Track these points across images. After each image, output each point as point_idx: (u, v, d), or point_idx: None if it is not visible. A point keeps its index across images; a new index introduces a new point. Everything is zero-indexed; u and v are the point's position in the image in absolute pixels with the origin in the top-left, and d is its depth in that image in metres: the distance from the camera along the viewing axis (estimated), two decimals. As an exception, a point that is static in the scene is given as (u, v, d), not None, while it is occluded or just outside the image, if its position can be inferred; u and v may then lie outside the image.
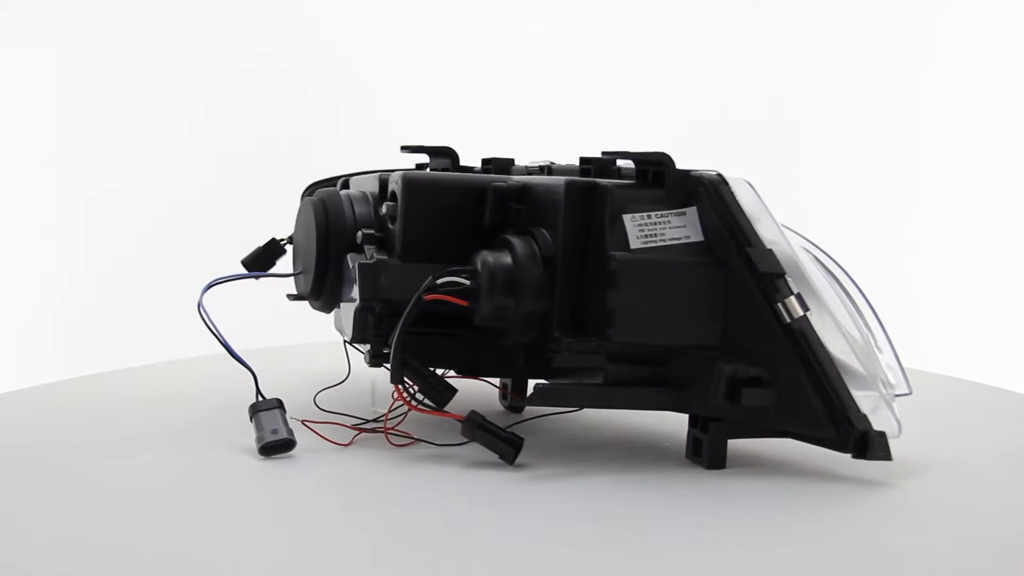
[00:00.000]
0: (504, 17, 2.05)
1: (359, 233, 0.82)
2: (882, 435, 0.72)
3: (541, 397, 0.76)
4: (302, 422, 0.82)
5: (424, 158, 0.97)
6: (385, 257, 0.80)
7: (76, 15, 1.89)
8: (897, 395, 0.77)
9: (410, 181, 0.80)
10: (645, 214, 0.74)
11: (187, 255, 1.87)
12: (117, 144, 1.92)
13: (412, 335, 0.77)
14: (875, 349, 0.77)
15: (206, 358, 1.05)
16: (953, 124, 1.95)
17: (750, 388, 0.73)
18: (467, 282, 0.76)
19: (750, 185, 0.76)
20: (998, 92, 1.94)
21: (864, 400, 0.73)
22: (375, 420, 0.86)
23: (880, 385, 0.74)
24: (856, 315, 0.78)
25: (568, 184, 0.75)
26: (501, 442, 0.76)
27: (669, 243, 0.74)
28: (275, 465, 0.77)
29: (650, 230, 0.74)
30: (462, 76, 2.03)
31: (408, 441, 0.82)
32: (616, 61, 2.01)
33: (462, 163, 0.95)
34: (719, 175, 0.75)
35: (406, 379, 0.76)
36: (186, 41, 1.96)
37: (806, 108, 1.99)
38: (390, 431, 0.82)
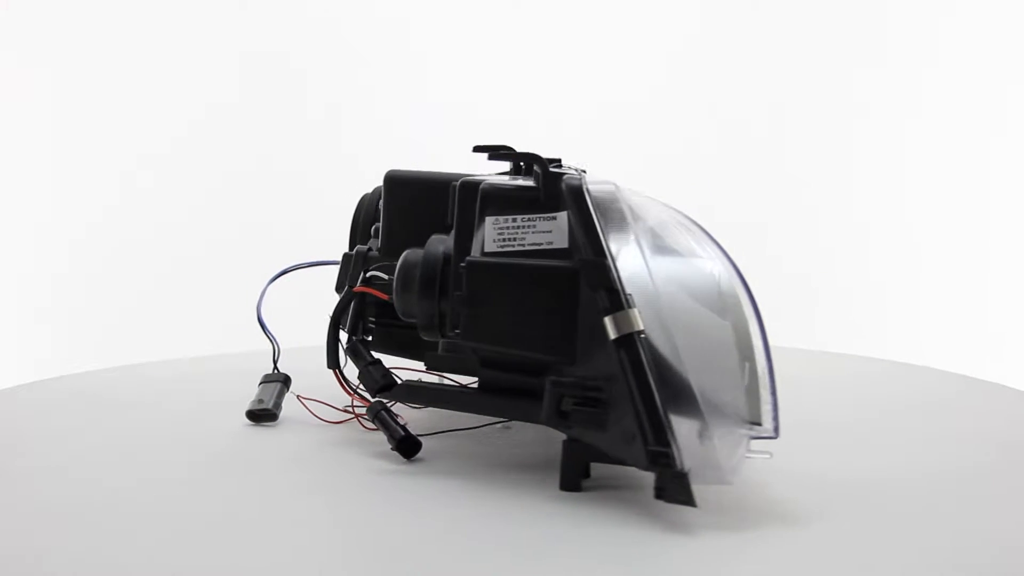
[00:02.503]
0: (504, 17, 2.01)
1: (372, 227, 0.89)
2: (682, 477, 0.62)
3: (403, 394, 0.77)
4: (297, 396, 0.92)
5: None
6: (372, 250, 0.86)
7: (76, 14, 1.91)
8: (758, 436, 0.65)
9: (391, 178, 0.85)
10: (510, 217, 0.72)
11: (187, 255, 1.92)
12: (116, 144, 1.93)
13: (384, 326, 0.83)
14: (740, 382, 0.65)
15: (212, 357, 1.16)
16: (953, 122, 1.92)
17: (580, 407, 0.67)
18: (386, 277, 0.80)
19: (616, 187, 0.70)
20: (998, 91, 1.91)
21: (707, 434, 0.63)
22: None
23: (729, 421, 0.64)
24: (730, 344, 0.67)
25: (460, 183, 0.75)
26: (391, 436, 0.79)
27: (528, 248, 0.71)
28: (255, 434, 0.86)
29: (510, 234, 0.71)
30: (462, 76, 1.99)
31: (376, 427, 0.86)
32: (616, 61, 1.98)
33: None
34: (580, 178, 0.70)
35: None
36: (185, 41, 1.95)
37: (807, 107, 1.96)
38: (361, 416, 0.88)
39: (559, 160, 0.77)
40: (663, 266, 0.68)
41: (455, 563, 0.59)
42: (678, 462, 0.62)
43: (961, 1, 1.95)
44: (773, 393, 0.66)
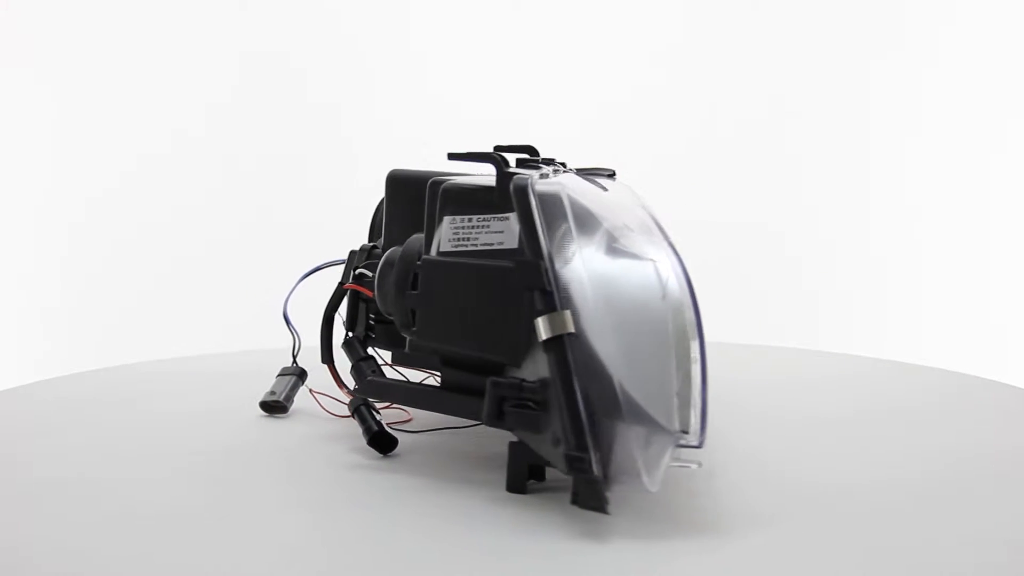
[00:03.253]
0: (505, 16, 1.97)
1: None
2: (594, 483, 0.60)
3: (367, 389, 0.78)
4: (310, 390, 0.94)
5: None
6: (377, 247, 0.88)
7: (76, 17, 1.90)
8: (683, 444, 0.63)
9: (393, 177, 0.87)
10: (466, 217, 0.72)
11: (186, 254, 1.90)
12: (114, 143, 1.92)
13: (384, 323, 0.85)
14: (672, 389, 0.63)
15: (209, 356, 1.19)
16: (953, 122, 1.91)
17: (517, 408, 0.67)
18: (369, 274, 0.82)
19: (561, 187, 0.68)
20: (999, 90, 1.90)
21: (631, 440, 0.62)
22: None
23: (655, 429, 0.62)
24: (667, 351, 0.64)
25: (431, 182, 0.76)
26: (366, 431, 0.80)
27: (480, 248, 0.71)
28: (253, 428, 0.90)
29: (465, 234, 0.72)
30: (461, 75, 1.96)
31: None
32: (616, 61, 1.95)
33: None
34: (526, 178, 0.69)
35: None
36: (184, 41, 1.93)
37: (807, 107, 1.95)
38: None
39: (540, 159, 0.77)
40: (606, 268, 0.67)
41: (355, 562, 0.60)
42: (594, 468, 0.61)
43: (964, 2, 1.94)
44: (704, 402, 0.64)
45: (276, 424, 0.91)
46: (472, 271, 0.70)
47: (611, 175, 1.01)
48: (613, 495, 0.62)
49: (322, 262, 1.00)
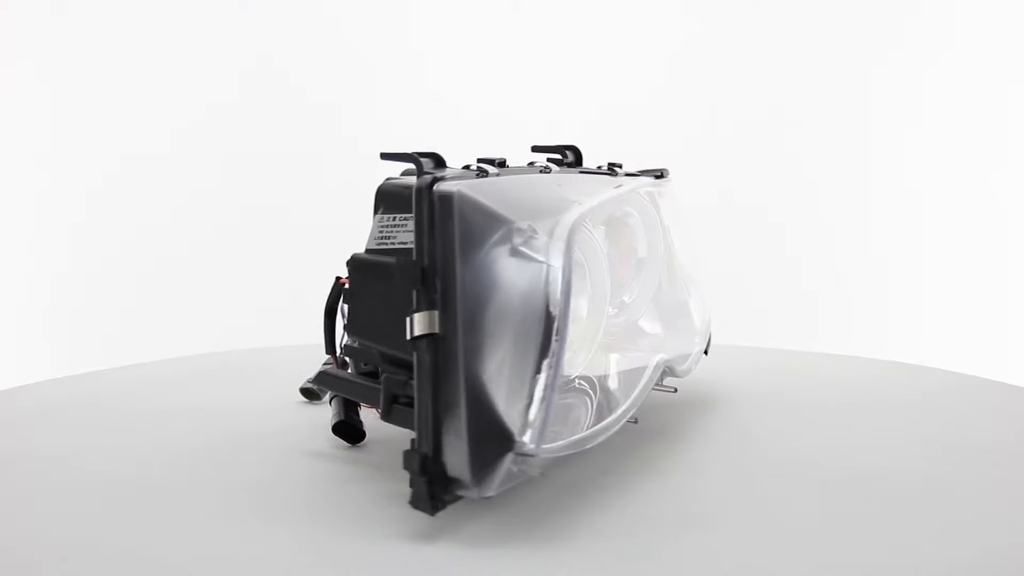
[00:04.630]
0: (506, 15, 1.94)
1: None
2: (420, 484, 0.60)
3: (319, 379, 0.81)
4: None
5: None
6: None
7: (73, 11, 1.85)
8: (520, 452, 0.61)
9: (384, 188, 0.89)
10: (392, 215, 0.73)
11: (186, 254, 1.82)
12: (113, 142, 1.87)
13: None
14: (523, 395, 0.61)
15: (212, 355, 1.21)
16: (954, 121, 1.88)
17: (402, 405, 0.67)
18: None
19: (457, 190, 0.67)
20: (1001, 89, 1.87)
21: (466, 445, 0.61)
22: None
23: (498, 433, 0.61)
24: (529, 356, 0.62)
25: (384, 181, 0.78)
26: (333, 418, 0.83)
27: (396, 246, 0.72)
28: (250, 422, 0.93)
29: (388, 232, 0.73)
30: (460, 75, 1.92)
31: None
32: (615, 60, 1.94)
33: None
34: (426, 178, 0.68)
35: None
36: (184, 40, 1.85)
37: (808, 107, 1.92)
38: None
39: (495, 160, 0.76)
40: (492, 270, 0.65)
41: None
42: (425, 469, 0.60)
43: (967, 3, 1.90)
44: (547, 410, 0.61)
45: (282, 415, 0.95)
46: (380, 268, 0.71)
47: (660, 175, 0.97)
48: (453, 497, 0.61)
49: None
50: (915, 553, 0.60)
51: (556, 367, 0.62)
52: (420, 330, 0.63)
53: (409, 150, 0.73)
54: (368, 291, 0.73)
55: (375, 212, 0.75)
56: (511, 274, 0.65)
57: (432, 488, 0.60)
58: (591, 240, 0.76)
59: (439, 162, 0.71)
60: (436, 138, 1.82)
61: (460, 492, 0.61)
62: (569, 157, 0.92)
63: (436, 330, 0.62)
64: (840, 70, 1.93)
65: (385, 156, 0.74)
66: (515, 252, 0.66)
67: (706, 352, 0.98)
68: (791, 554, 0.60)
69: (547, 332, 0.63)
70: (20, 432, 0.89)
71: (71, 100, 1.87)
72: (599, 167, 0.91)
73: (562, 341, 0.62)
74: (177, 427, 0.90)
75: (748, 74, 1.96)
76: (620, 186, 0.86)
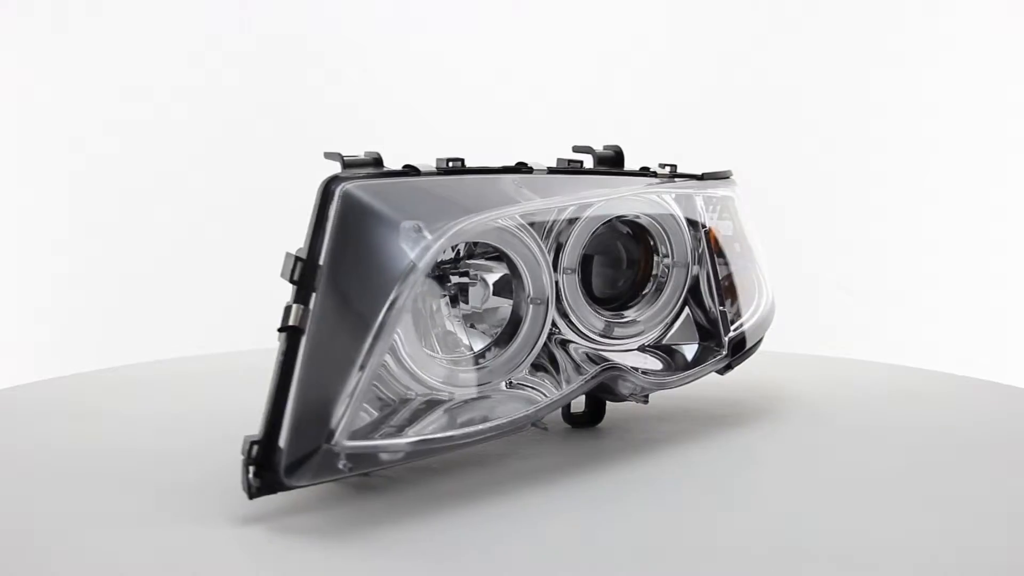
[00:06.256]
0: (506, 14, 1.92)
1: None
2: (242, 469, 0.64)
3: None
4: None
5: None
6: None
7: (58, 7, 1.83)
8: (329, 446, 0.64)
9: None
10: None
11: (186, 254, 1.84)
12: (112, 141, 1.85)
13: None
14: (342, 390, 0.65)
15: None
16: (955, 119, 1.88)
17: None
18: None
19: (353, 190, 0.68)
20: (1004, 89, 1.86)
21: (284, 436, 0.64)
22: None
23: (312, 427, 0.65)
24: (360, 351, 0.66)
25: None
26: None
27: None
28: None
29: None
30: (461, 74, 1.91)
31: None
32: (614, 61, 1.92)
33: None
34: (329, 178, 0.69)
35: None
36: (183, 40, 1.84)
37: (808, 108, 1.91)
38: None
39: (459, 159, 0.76)
40: (360, 268, 0.67)
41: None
42: (251, 455, 0.63)
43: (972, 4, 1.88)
44: (354, 408, 0.65)
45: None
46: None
47: (724, 177, 0.97)
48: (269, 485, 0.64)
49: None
50: (915, 553, 0.61)
51: (368, 367, 0.65)
52: (284, 322, 0.65)
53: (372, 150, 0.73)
54: None
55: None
56: (380, 273, 0.68)
57: (255, 473, 0.63)
58: (530, 243, 0.77)
59: (377, 162, 0.72)
60: (436, 136, 1.83)
61: (273, 480, 0.64)
62: (585, 161, 0.90)
63: (295, 323, 0.65)
64: (841, 69, 1.92)
65: (327, 156, 0.76)
66: (395, 251, 0.68)
67: (730, 367, 0.90)
68: (790, 553, 0.61)
69: (379, 330, 0.66)
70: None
71: (71, 98, 1.85)
72: (644, 168, 0.90)
73: (382, 338, 0.66)
74: (170, 429, 0.90)
75: (751, 73, 1.93)
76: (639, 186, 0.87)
